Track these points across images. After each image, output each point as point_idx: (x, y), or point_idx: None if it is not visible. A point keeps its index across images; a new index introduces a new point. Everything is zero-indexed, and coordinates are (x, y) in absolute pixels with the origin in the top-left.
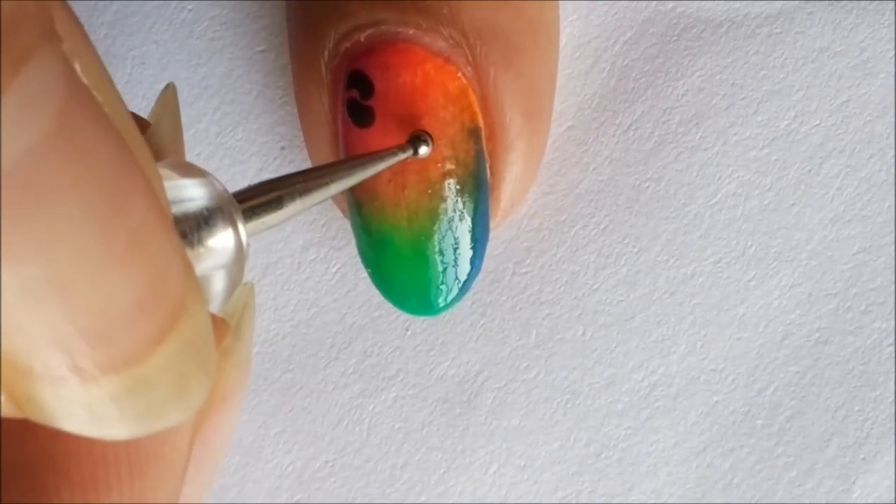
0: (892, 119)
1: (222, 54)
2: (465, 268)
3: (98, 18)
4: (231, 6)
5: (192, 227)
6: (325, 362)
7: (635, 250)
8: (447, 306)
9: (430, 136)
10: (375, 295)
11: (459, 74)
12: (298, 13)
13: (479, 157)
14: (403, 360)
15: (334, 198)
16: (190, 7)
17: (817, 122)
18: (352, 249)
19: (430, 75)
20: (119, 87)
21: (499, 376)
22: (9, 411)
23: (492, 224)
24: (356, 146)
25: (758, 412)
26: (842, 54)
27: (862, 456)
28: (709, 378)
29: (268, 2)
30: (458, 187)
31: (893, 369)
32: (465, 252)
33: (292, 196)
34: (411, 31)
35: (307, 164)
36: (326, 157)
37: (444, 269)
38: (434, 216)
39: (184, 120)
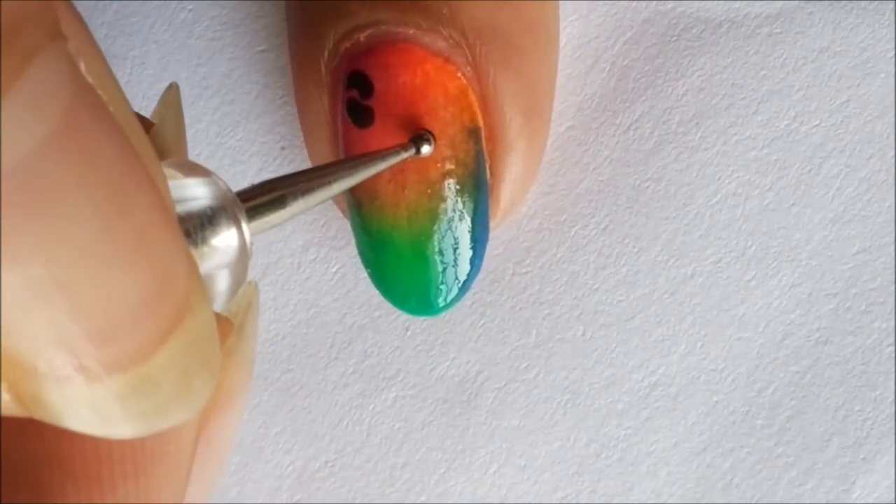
0: (892, 119)
1: (222, 54)
2: (464, 268)
3: (98, 18)
4: (231, 6)
5: (196, 226)
6: (325, 362)
7: (635, 250)
8: (447, 306)
9: (433, 136)
10: (375, 295)
11: (459, 74)
12: (298, 13)
13: (478, 157)
14: (403, 360)
15: (334, 198)
16: (190, 7)
17: (817, 122)
18: (352, 249)
19: (429, 75)
20: None
21: (499, 376)
22: (15, 410)
23: (491, 224)
24: (356, 146)
25: (758, 412)
26: (842, 54)
27: (862, 456)
28: (709, 378)
29: (268, 2)
30: (457, 187)
31: (893, 369)
32: (465, 252)
33: (295, 195)
34: (411, 31)
35: (307, 164)
36: (326, 157)
37: (444, 269)
38: (434, 216)
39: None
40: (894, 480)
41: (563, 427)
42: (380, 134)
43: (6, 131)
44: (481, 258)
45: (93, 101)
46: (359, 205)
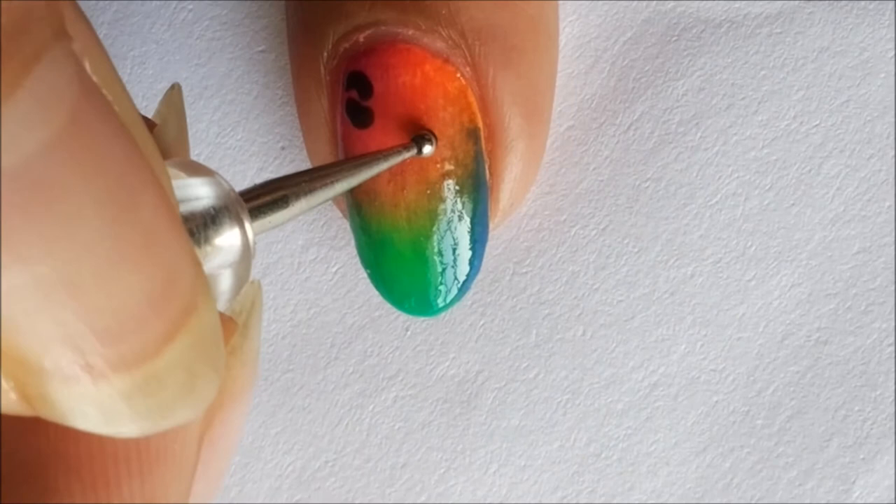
0: (892, 119)
1: (222, 54)
2: (464, 268)
3: (98, 18)
4: (231, 6)
5: (200, 225)
6: (325, 362)
7: (635, 250)
8: (447, 306)
9: (434, 136)
10: (375, 295)
11: (458, 75)
12: (298, 13)
13: (478, 157)
14: (403, 360)
15: (334, 198)
16: (190, 7)
17: (817, 122)
18: (352, 249)
19: (429, 76)
20: None
21: (499, 376)
22: (20, 409)
23: (491, 224)
24: (355, 147)
25: (758, 412)
26: (842, 54)
27: (862, 456)
28: (709, 378)
29: (268, 2)
30: (457, 188)
31: (893, 369)
32: (465, 252)
33: (298, 195)
34: (410, 32)
35: (307, 164)
36: (326, 157)
37: (444, 270)
38: (433, 217)
39: None
40: (894, 480)
41: (563, 427)
42: (379, 134)
43: (13, 131)
44: (481, 258)
45: (98, 100)
46: (358, 205)
